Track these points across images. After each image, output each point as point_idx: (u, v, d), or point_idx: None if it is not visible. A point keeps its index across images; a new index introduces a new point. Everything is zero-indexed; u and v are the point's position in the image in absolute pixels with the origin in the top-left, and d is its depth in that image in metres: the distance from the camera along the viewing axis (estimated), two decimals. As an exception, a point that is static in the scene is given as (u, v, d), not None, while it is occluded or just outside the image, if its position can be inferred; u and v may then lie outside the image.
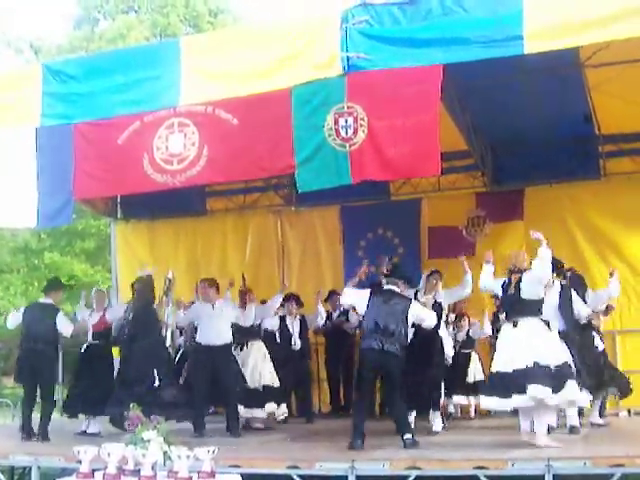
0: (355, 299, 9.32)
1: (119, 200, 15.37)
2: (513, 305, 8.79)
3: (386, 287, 9.27)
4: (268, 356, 11.68)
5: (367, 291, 9.19)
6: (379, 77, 7.94)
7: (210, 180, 10.31)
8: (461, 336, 12.43)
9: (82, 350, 11.31)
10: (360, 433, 8.74)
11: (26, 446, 9.74)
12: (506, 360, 8.56)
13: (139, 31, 29.02)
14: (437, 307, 10.17)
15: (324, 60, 7.42)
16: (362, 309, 9.17)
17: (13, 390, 24.81)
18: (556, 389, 8.29)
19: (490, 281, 9.21)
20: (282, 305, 12.29)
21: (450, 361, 11.18)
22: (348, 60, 7.31)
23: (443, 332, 10.62)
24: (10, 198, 9.60)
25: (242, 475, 6.71)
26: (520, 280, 8.77)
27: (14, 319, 10.83)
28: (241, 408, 10.96)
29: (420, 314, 9.16)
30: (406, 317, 8.96)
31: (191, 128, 9.03)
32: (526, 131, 12.52)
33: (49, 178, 9.46)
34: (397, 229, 14.11)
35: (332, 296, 13.51)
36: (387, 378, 9.09)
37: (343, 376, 13.36)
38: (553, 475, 7.16)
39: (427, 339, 9.90)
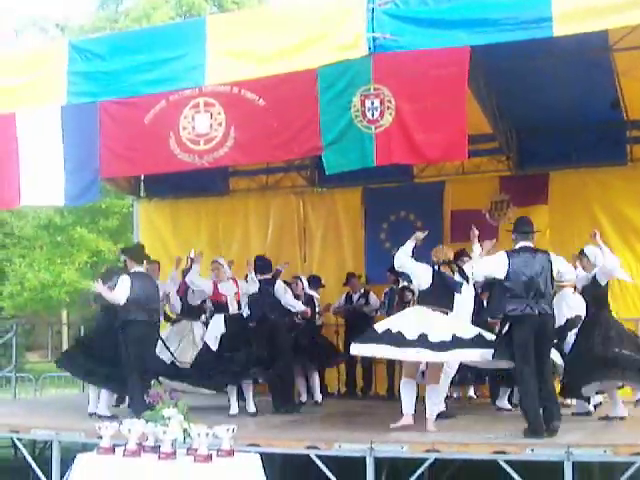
0: (492, 268, 8.68)
1: (142, 179, 15.43)
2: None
3: (521, 244, 8.66)
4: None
5: (503, 254, 8.60)
6: (406, 58, 7.89)
7: (238, 161, 10.32)
8: None
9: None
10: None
11: (48, 421, 9.81)
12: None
13: (164, 11, 29.02)
14: None
15: (350, 41, 7.40)
16: (502, 274, 8.49)
17: (34, 365, 25.05)
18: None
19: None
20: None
21: None
22: (374, 41, 7.27)
23: None
24: (36, 176, 9.62)
25: (261, 454, 6.73)
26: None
27: (123, 291, 9.97)
28: None
29: (561, 268, 8.64)
30: (551, 272, 8.46)
31: (217, 108, 9.01)
32: (552, 115, 12.42)
33: (75, 156, 9.47)
34: (420, 212, 14.04)
35: (351, 279, 13.52)
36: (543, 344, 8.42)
37: (362, 358, 13.34)
38: (573, 462, 7.15)
39: None
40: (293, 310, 11.51)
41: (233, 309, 10.81)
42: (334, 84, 8.62)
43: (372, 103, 8.57)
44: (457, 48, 7.56)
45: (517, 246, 8.64)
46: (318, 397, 12.23)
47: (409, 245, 9.19)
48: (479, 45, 7.41)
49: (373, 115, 8.58)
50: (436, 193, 14.05)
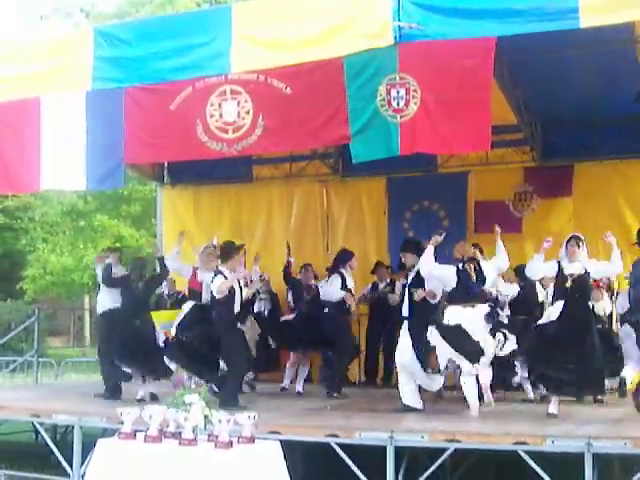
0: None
1: (166, 165, 15.48)
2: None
3: None
4: None
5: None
6: (432, 48, 7.88)
7: (267, 149, 10.36)
8: None
9: None
10: None
11: (69, 406, 9.88)
12: None
13: (189, -3, 29.03)
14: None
15: (376, 30, 7.37)
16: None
17: (56, 350, 25.24)
18: None
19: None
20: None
21: None
22: (400, 30, 7.24)
23: None
24: (58, 161, 9.66)
25: (281, 442, 6.75)
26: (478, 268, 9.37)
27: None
28: None
29: None
30: None
31: (244, 96, 9.03)
32: (576, 107, 12.37)
33: (99, 141, 9.52)
34: (443, 202, 14.03)
35: (379, 267, 13.49)
36: None
37: (384, 347, 13.36)
38: (593, 454, 7.14)
39: None
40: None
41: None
42: (361, 73, 8.63)
43: (398, 92, 8.58)
44: (483, 38, 7.55)
45: None
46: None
47: (430, 251, 9.33)
48: (505, 36, 7.38)
49: (398, 104, 8.59)
50: (460, 183, 14.02)
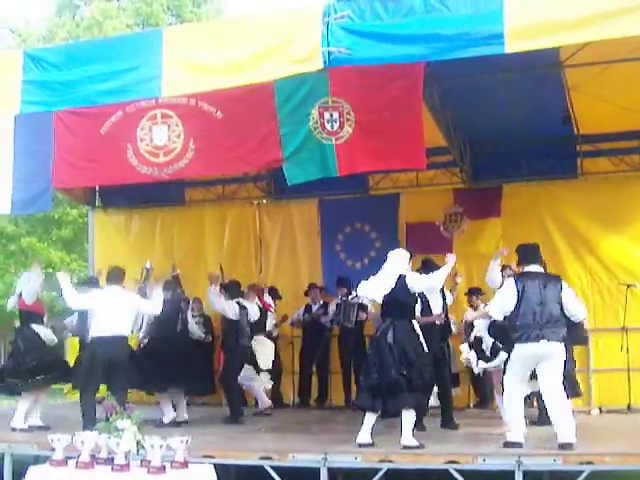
0: None
1: (98, 189, 15.36)
2: None
3: None
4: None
5: None
6: (362, 72, 8.00)
7: (198, 173, 10.34)
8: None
9: None
10: None
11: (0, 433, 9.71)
12: None
13: (119, 20, 28.82)
14: None
15: (305, 54, 7.43)
16: None
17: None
18: None
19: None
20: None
21: None
22: (329, 55, 7.32)
23: None
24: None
25: (215, 465, 6.74)
26: None
27: None
28: None
29: None
30: None
31: (174, 120, 9.04)
32: (505, 129, 12.59)
33: (26, 165, 9.42)
34: (375, 223, 14.16)
35: (312, 289, 13.56)
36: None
37: (318, 369, 13.40)
38: (523, 471, 7.25)
39: None
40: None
41: None
42: (292, 97, 8.71)
43: (331, 115, 8.69)
44: (412, 63, 7.66)
45: None
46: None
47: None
48: (432, 61, 7.51)
49: (332, 127, 8.70)
50: (391, 205, 14.16)
